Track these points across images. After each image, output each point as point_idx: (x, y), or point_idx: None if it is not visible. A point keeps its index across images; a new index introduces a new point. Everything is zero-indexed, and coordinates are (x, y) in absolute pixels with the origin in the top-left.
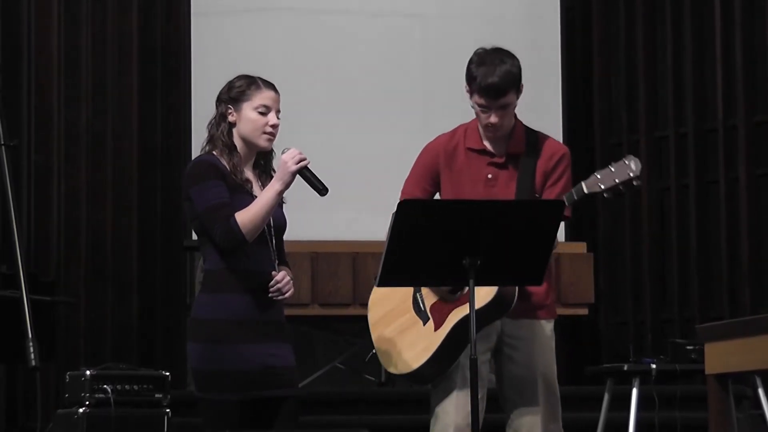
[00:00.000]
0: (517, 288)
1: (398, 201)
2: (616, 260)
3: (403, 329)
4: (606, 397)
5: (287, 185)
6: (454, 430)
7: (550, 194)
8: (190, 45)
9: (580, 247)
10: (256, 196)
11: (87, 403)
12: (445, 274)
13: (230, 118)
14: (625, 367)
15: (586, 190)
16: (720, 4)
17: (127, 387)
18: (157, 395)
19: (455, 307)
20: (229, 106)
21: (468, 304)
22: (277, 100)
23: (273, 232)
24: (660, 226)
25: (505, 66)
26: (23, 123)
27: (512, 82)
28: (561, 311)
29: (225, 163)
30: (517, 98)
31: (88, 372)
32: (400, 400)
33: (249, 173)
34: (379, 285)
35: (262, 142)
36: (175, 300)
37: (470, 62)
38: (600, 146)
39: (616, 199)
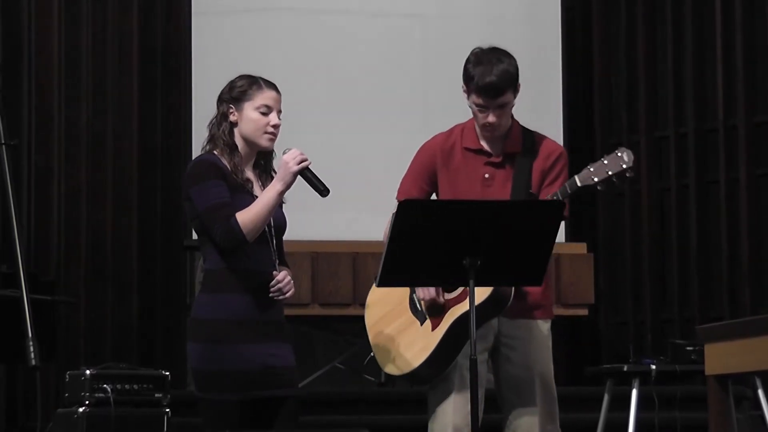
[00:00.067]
0: (513, 287)
1: (394, 200)
2: (616, 260)
3: (400, 330)
4: (606, 397)
5: (288, 186)
6: (452, 430)
7: (546, 194)
8: (190, 45)
9: (580, 248)
10: (256, 196)
11: (87, 402)
12: (446, 274)
13: (232, 118)
14: (625, 368)
15: (579, 183)
16: (720, 4)
17: (127, 387)
18: (157, 395)
19: (451, 306)
20: (231, 105)
21: (464, 302)
22: (279, 101)
23: (273, 232)
24: (660, 226)
25: (503, 65)
26: (23, 123)
27: (510, 82)
28: (561, 311)
29: (226, 162)
30: (515, 97)
31: (88, 371)
32: (400, 400)
33: (250, 173)
34: (379, 285)
35: (263, 142)
36: (175, 300)
37: (467, 62)
38: (600, 146)
39: (616, 200)
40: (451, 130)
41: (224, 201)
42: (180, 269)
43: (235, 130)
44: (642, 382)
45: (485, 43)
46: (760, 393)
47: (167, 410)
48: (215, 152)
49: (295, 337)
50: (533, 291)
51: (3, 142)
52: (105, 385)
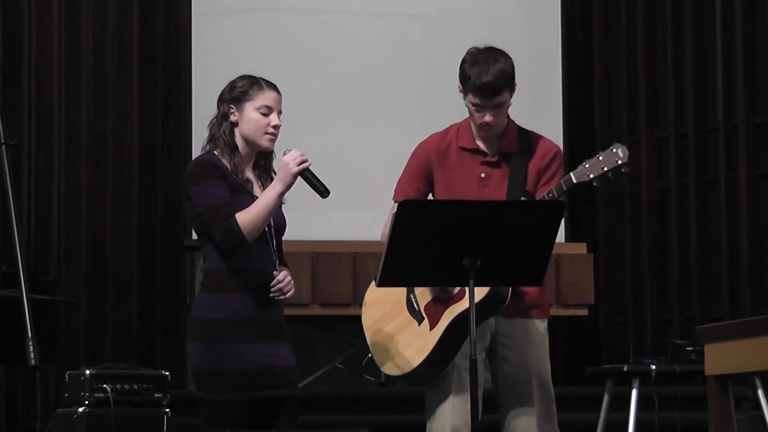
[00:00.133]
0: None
1: (392, 200)
2: (616, 260)
3: (398, 330)
4: (606, 397)
5: (288, 187)
6: (450, 430)
7: (542, 193)
8: (190, 45)
9: (580, 248)
10: (256, 197)
11: (87, 402)
12: (446, 274)
13: (232, 118)
14: (625, 368)
15: (575, 180)
16: (720, 4)
17: (126, 387)
18: (156, 395)
19: (449, 306)
20: (231, 105)
21: (462, 301)
22: (279, 101)
23: (273, 233)
24: (660, 226)
25: (499, 65)
26: (23, 123)
27: (506, 81)
28: (561, 312)
29: (226, 162)
30: (511, 97)
31: (87, 371)
32: (400, 400)
33: (250, 173)
34: (380, 285)
35: (264, 142)
36: (175, 300)
37: (463, 61)
38: (600, 146)
39: (616, 200)
40: (446, 130)
41: (224, 201)
42: (180, 269)
43: (236, 131)
44: (642, 382)
45: (485, 43)
46: (760, 393)
47: (167, 410)
48: (215, 152)
49: (295, 337)
50: (530, 290)
51: (3, 142)
52: (105, 385)
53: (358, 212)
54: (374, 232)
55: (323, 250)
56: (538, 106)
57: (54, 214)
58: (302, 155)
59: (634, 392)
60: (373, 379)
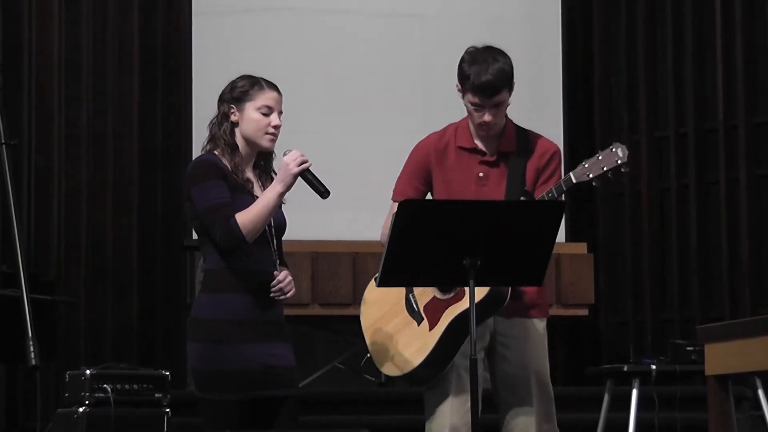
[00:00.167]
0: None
1: (390, 201)
2: (616, 260)
3: (397, 330)
4: (606, 397)
5: (288, 187)
6: (449, 430)
7: (541, 192)
8: (190, 45)
9: (580, 248)
10: (257, 197)
11: (87, 402)
12: (446, 274)
13: (233, 118)
14: (625, 368)
15: (574, 180)
16: (720, 4)
17: (127, 386)
18: (157, 395)
19: (448, 306)
20: (232, 105)
21: (461, 302)
22: (280, 101)
23: (273, 233)
24: (660, 226)
25: (498, 64)
26: (24, 123)
27: (506, 80)
28: (561, 312)
29: (226, 162)
30: (510, 96)
31: (88, 371)
32: (400, 400)
33: (250, 173)
34: (380, 285)
35: (264, 142)
36: (175, 300)
37: (462, 61)
38: (600, 146)
39: (617, 200)
40: (444, 129)
41: (224, 201)
42: (180, 269)
43: (236, 131)
44: (642, 382)
45: (485, 43)
46: (760, 393)
47: (167, 410)
48: (216, 152)
49: (295, 337)
50: (529, 290)
51: (3, 141)
52: (105, 385)
53: (358, 212)
54: (374, 232)
55: (323, 250)
56: (538, 106)
57: (54, 214)
58: (302, 156)
59: (634, 392)
60: (373, 379)
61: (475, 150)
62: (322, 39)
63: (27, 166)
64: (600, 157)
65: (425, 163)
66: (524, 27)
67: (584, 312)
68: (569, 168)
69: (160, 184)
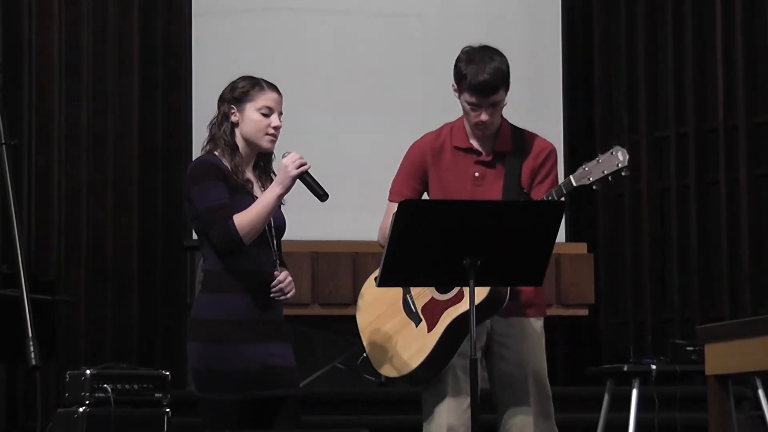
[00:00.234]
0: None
1: (387, 201)
2: (617, 261)
3: (395, 332)
4: (606, 397)
5: (287, 189)
6: (446, 430)
7: (537, 192)
8: (190, 45)
9: (581, 248)
10: (256, 197)
11: (87, 402)
12: (446, 274)
13: (233, 118)
14: (625, 368)
15: (575, 183)
16: (721, 4)
17: (127, 386)
18: (157, 395)
19: (447, 308)
20: (232, 106)
21: (460, 303)
22: (280, 102)
23: (273, 233)
24: (660, 226)
25: (495, 63)
26: (24, 123)
27: (502, 80)
28: (561, 311)
29: (226, 163)
30: (506, 95)
31: (88, 371)
32: (400, 400)
33: (250, 174)
34: (380, 285)
35: (264, 143)
36: (175, 300)
37: (458, 60)
38: (600, 146)
39: (617, 200)
40: (440, 129)
41: (223, 202)
42: (180, 269)
43: (236, 131)
44: (642, 382)
45: (485, 43)
46: (760, 393)
47: (167, 410)
48: (216, 153)
49: (295, 337)
50: (526, 289)
51: (3, 141)
52: (105, 385)
53: (358, 212)
54: (374, 232)
55: (323, 250)
56: (538, 106)
57: (54, 214)
58: (301, 158)
59: (634, 392)
60: (373, 379)
61: (470, 150)
62: (322, 39)
63: (27, 166)
64: (600, 161)
65: (421, 163)
66: (524, 27)
67: (584, 312)
68: (567, 167)
69: (160, 184)
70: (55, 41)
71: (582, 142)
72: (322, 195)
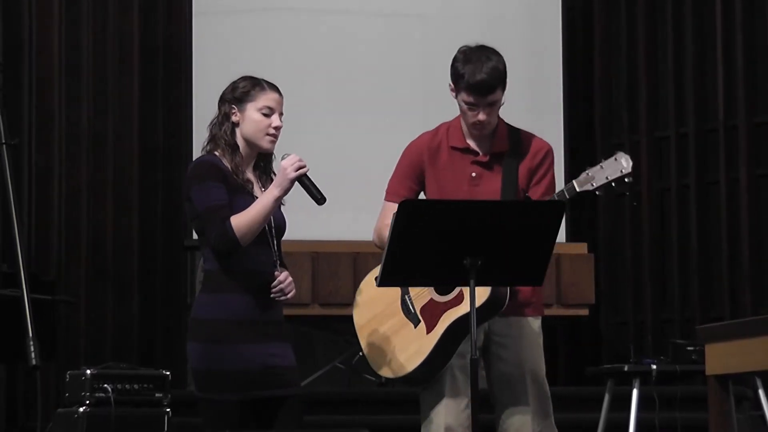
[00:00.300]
0: (508, 288)
1: (383, 201)
2: (617, 261)
3: (393, 332)
4: (606, 397)
5: (285, 192)
6: (445, 431)
7: (535, 192)
8: (190, 45)
9: (581, 248)
10: (257, 197)
11: (87, 402)
12: (446, 274)
13: (234, 118)
14: (626, 368)
15: (578, 189)
16: (721, 4)
17: (127, 386)
18: (157, 395)
19: (447, 309)
20: (233, 106)
21: (460, 306)
22: (281, 103)
23: (274, 233)
24: (660, 226)
25: (492, 62)
26: (24, 122)
27: (500, 79)
28: (561, 311)
29: (227, 163)
30: (503, 95)
31: (88, 371)
32: (400, 400)
33: (250, 174)
34: (380, 285)
35: (264, 143)
36: (175, 300)
37: (455, 60)
38: (601, 146)
39: (617, 200)
40: (436, 129)
41: (222, 203)
42: (180, 269)
43: (237, 131)
44: (642, 382)
45: (486, 43)
46: (761, 393)
47: (167, 410)
48: (216, 153)
49: (295, 337)
50: (524, 289)
51: (4, 141)
52: (105, 385)
53: (358, 212)
54: None
55: (323, 250)
56: (538, 105)
57: (54, 214)
58: (300, 160)
59: (634, 392)
60: (373, 378)
61: (467, 150)
62: (322, 39)
63: (27, 166)
64: (603, 167)
65: (418, 162)
66: (524, 27)
67: (584, 312)
68: (567, 167)
69: (160, 184)
70: (55, 41)
71: (582, 142)
72: (319, 199)
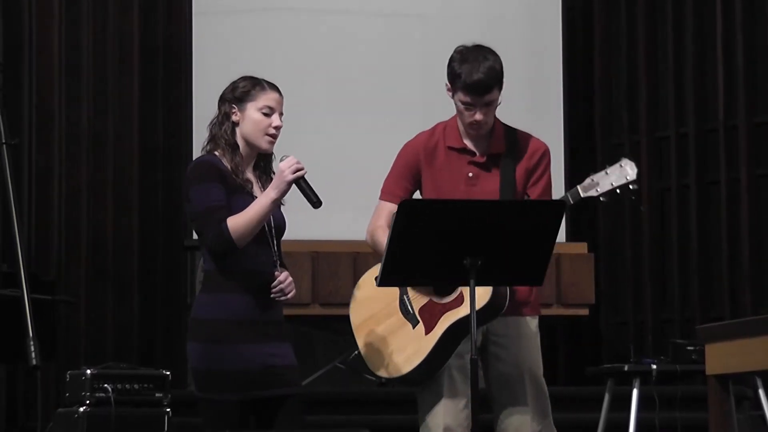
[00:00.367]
0: (508, 290)
1: (378, 200)
2: (617, 261)
3: (391, 332)
4: (606, 397)
5: (283, 194)
6: (443, 431)
7: (532, 193)
8: (190, 45)
9: (581, 248)
10: (256, 197)
11: (87, 402)
12: (446, 274)
13: (234, 118)
14: (626, 368)
15: (582, 194)
16: (721, 4)
17: (127, 386)
18: (157, 395)
19: (446, 311)
20: (233, 105)
21: (460, 308)
22: (281, 102)
23: (273, 233)
24: (660, 226)
25: (489, 62)
26: (24, 122)
27: (496, 79)
28: (561, 312)
29: (227, 163)
30: (500, 94)
31: (88, 371)
32: (400, 400)
33: (250, 174)
34: (380, 285)
35: (263, 143)
36: (175, 300)
37: (452, 60)
38: (601, 146)
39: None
40: (433, 129)
41: (220, 204)
42: (180, 269)
43: (237, 131)
44: (642, 382)
45: (486, 44)
46: (761, 393)
47: (168, 410)
48: (216, 153)
49: (295, 337)
50: (521, 288)
51: (4, 141)
52: (105, 385)
53: (358, 212)
54: None
55: (323, 250)
56: (538, 106)
57: (54, 214)
58: (298, 163)
59: (634, 392)
60: (373, 378)
61: (464, 150)
62: (322, 39)
63: (27, 166)
64: (608, 173)
65: (415, 162)
66: (524, 27)
67: (585, 312)
68: (568, 168)
69: (160, 184)
70: (55, 41)
71: (582, 142)
72: (315, 202)
